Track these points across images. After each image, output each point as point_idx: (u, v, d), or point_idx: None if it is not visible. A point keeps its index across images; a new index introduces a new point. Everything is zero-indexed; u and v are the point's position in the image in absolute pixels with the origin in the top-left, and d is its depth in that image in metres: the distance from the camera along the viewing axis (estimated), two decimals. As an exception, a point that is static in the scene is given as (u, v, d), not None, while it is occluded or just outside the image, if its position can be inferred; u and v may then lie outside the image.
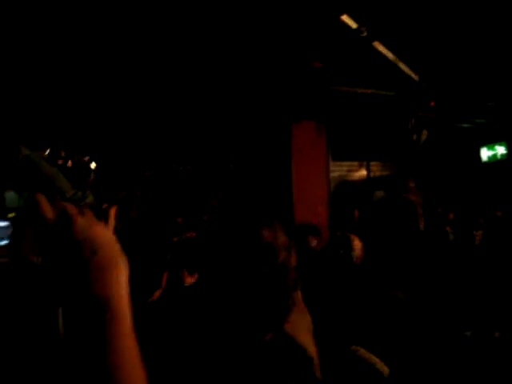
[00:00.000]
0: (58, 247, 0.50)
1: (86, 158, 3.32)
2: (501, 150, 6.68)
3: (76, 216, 0.52)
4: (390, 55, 5.01)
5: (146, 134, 5.42)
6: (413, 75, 5.01)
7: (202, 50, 3.93)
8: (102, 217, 0.68)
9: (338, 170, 5.30)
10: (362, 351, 1.36)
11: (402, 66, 4.96)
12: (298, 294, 1.05)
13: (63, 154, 3.40)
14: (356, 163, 5.52)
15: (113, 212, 0.79)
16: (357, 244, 2.56)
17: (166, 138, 5.49)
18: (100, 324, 0.47)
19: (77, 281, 0.48)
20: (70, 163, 3.11)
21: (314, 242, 3.66)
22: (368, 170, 5.49)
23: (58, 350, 0.52)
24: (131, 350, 0.49)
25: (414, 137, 5.24)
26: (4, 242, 0.53)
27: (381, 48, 4.98)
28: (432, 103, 5.07)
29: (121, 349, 0.47)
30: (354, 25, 4.62)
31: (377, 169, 5.55)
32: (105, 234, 0.54)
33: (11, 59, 3.48)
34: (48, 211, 0.51)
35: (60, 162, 3.18)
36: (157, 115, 4.98)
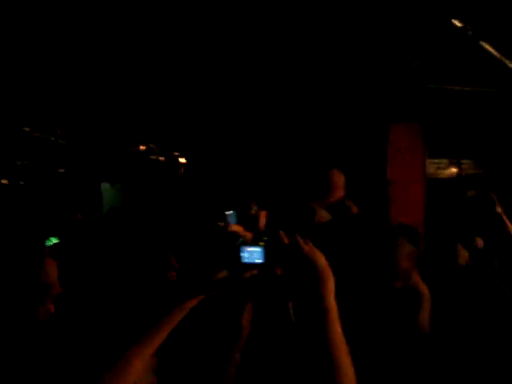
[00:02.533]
0: (293, 264, 0.80)
1: (177, 154, 7.72)
2: None
3: (303, 244, 0.81)
4: (494, 52, 4.59)
5: (238, 134, 5.68)
6: (520, 72, 4.46)
7: (300, 44, 3.68)
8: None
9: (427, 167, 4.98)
10: None
11: (508, 62, 4.47)
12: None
13: (157, 150, 8.00)
14: (446, 160, 5.37)
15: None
16: (462, 253, 2.53)
17: (256, 139, 5.76)
18: (322, 313, 0.77)
19: (307, 286, 0.78)
20: (162, 158, 7.63)
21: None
22: (459, 167, 5.31)
23: (291, 330, 0.88)
24: (339, 332, 0.77)
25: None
26: (259, 261, 0.81)
27: (486, 45, 4.71)
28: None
29: (334, 330, 0.76)
30: (458, 24, 4.85)
31: (469, 167, 5.20)
32: (321, 256, 0.81)
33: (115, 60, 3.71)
34: (286, 241, 0.82)
35: (154, 157, 7.69)
36: (247, 115, 5.16)
